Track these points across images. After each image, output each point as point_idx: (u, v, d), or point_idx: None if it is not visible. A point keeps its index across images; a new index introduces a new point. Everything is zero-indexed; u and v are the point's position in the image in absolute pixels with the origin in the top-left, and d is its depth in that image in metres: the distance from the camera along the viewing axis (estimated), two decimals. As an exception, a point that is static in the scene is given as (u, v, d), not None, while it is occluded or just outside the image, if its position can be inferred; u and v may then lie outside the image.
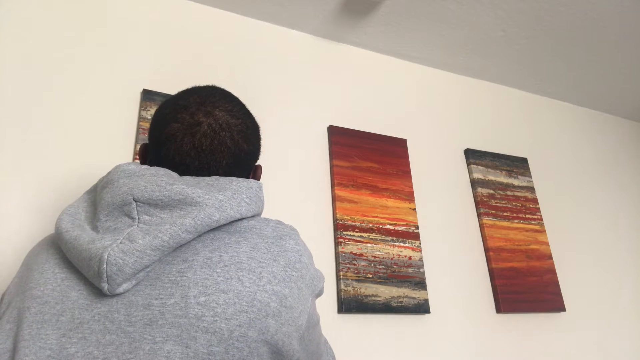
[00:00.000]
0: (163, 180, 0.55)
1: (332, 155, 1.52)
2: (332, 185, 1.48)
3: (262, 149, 1.43)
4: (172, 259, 0.53)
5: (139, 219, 0.54)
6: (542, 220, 1.82)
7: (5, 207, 1.09)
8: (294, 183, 1.44)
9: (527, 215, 1.79)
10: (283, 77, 1.58)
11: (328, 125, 1.58)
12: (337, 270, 1.37)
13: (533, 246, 1.74)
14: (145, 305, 0.50)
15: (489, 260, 1.64)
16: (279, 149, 1.47)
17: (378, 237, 1.46)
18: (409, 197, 1.57)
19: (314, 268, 0.60)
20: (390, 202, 1.53)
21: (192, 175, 0.61)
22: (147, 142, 0.66)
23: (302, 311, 0.55)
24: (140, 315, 0.50)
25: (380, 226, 1.48)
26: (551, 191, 1.96)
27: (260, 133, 0.69)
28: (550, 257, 1.75)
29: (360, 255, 1.40)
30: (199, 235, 0.55)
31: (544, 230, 1.79)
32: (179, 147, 0.60)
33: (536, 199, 1.85)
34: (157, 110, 0.66)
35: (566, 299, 1.75)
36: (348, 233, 1.41)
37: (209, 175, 0.62)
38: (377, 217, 1.48)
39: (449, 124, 1.85)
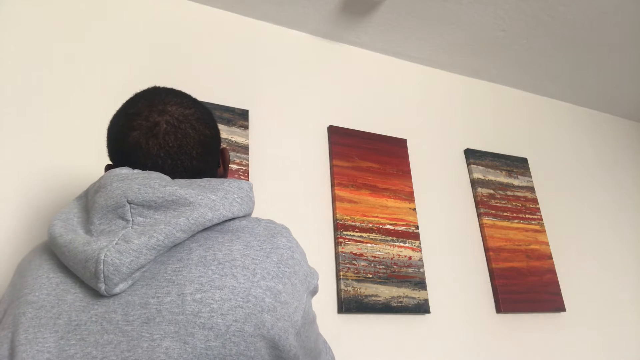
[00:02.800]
0: (156, 182, 0.56)
1: (332, 155, 1.52)
2: (332, 185, 1.48)
3: (265, 145, 1.43)
4: (167, 259, 0.54)
5: (133, 220, 0.55)
6: (542, 220, 1.82)
7: (3, 207, 1.09)
8: (294, 183, 1.44)
9: (527, 215, 1.79)
10: (283, 77, 1.58)
11: (328, 125, 1.58)
12: (337, 270, 1.37)
13: (533, 246, 1.74)
14: (142, 304, 0.51)
15: (489, 260, 1.64)
16: (279, 149, 1.47)
17: (378, 237, 1.46)
18: (409, 197, 1.57)
19: (307, 265, 0.61)
20: (390, 202, 1.53)
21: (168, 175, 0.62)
22: (110, 162, 0.67)
23: (297, 307, 0.56)
24: (138, 314, 0.51)
25: (380, 226, 1.48)
26: (551, 191, 1.96)
27: (214, 116, 0.70)
28: (550, 257, 1.75)
29: (360, 255, 1.40)
30: (193, 235, 0.56)
31: (544, 230, 1.79)
32: (147, 152, 0.60)
33: (536, 199, 1.85)
34: (109, 126, 0.65)
35: (566, 299, 1.75)
36: (348, 233, 1.41)
37: (185, 171, 0.63)
38: (377, 217, 1.48)
39: (449, 124, 1.85)
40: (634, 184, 2.25)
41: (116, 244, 0.52)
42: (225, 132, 1.37)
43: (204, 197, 0.56)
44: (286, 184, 1.43)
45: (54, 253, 0.59)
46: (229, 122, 1.39)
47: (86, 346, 0.50)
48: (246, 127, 1.41)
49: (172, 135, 0.61)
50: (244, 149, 1.38)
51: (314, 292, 0.62)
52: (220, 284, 0.51)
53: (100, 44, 1.34)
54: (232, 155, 1.35)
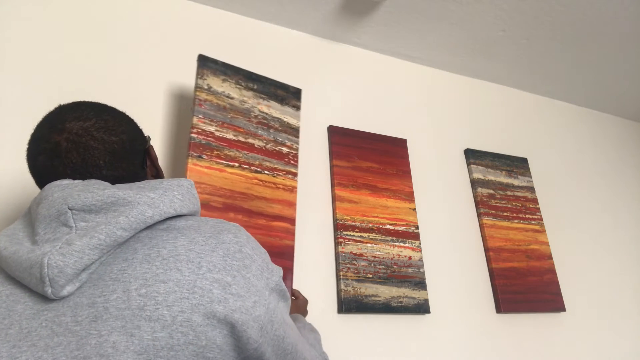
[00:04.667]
0: (95, 187, 0.57)
1: (332, 155, 1.52)
2: (332, 185, 1.48)
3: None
4: (112, 260, 0.55)
5: (76, 226, 0.56)
6: (542, 220, 1.82)
7: (6, 208, 1.09)
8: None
9: (527, 215, 1.79)
10: (283, 77, 1.58)
11: (328, 125, 1.58)
12: (337, 270, 1.37)
13: (533, 246, 1.74)
14: (90, 304, 0.52)
15: (489, 260, 1.64)
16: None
17: (378, 237, 1.46)
18: (409, 197, 1.57)
19: (264, 261, 0.61)
20: (390, 202, 1.53)
21: None
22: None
23: (256, 302, 0.56)
24: (86, 313, 0.52)
25: (380, 226, 1.48)
26: (551, 191, 1.96)
27: (129, 118, 0.70)
28: (550, 257, 1.75)
29: (360, 255, 1.40)
30: (137, 235, 0.57)
31: (544, 230, 1.79)
32: (55, 172, 0.62)
33: (536, 199, 1.85)
34: (25, 152, 0.67)
35: (566, 299, 1.75)
36: (348, 233, 1.41)
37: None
38: (377, 217, 1.48)
39: (449, 124, 1.85)
40: (634, 184, 2.25)
41: (60, 247, 0.53)
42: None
43: (143, 195, 0.57)
44: (286, 184, 1.43)
45: (1, 267, 0.60)
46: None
47: (37, 351, 0.51)
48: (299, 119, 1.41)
49: (74, 152, 0.62)
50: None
51: (278, 290, 0.62)
52: (165, 278, 0.53)
53: (101, 43, 1.34)
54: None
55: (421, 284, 1.45)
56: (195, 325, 0.52)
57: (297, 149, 1.34)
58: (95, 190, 0.57)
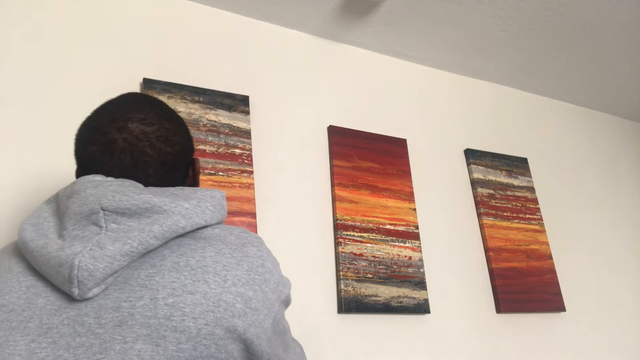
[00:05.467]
0: (130, 190, 0.57)
1: (332, 155, 1.52)
2: (332, 185, 1.48)
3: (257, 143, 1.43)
4: (139, 265, 0.55)
5: (106, 227, 0.55)
6: (542, 220, 1.82)
7: (2, 205, 1.09)
8: (294, 183, 1.44)
9: (527, 215, 1.79)
10: (283, 77, 1.58)
11: (328, 125, 1.58)
12: (337, 270, 1.37)
13: (533, 246, 1.74)
14: (115, 307, 0.52)
15: (489, 260, 1.64)
16: (279, 149, 1.47)
17: (378, 237, 1.46)
18: (409, 197, 1.57)
19: (280, 274, 0.62)
20: (390, 202, 1.53)
21: None
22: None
23: (267, 314, 0.57)
24: (110, 317, 0.51)
25: (380, 226, 1.48)
26: (551, 191, 1.96)
27: (186, 127, 0.70)
28: (550, 257, 1.75)
29: (360, 255, 1.40)
30: (166, 242, 0.57)
31: (544, 230, 1.80)
32: (102, 168, 0.61)
33: (536, 199, 1.86)
34: (76, 133, 0.66)
35: (566, 299, 1.75)
36: (348, 233, 1.41)
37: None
38: (377, 217, 1.48)
39: (449, 124, 1.85)
40: (634, 184, 2.25)
41: (90, 249, 0.53)
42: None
43: (177, 205, 0.57)
44: (286, 185, 1.43)
45: (22, 256, 0.59)
46: (229, 115, 1.39)
47: (57, 349, 0.51)
48: (248, 119, 1.41)
49: (127, 154, 0.61)
50: (246, 133, 1.38)
51: (286, 301, 0.63)
52: (192, 289, 0.53)
53: (101, 44, 1.34)
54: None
55: (421, 284, 1.45)
56: (217, 338, 0.52)
57: (250, 149, 1.37)
58: (131, 193, 0.56)
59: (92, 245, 0.53)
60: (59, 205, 0.60)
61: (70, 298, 0.53)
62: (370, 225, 1.46)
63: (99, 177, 0.59)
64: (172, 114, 0.68)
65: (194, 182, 0.73)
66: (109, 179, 0.59)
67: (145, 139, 0.62)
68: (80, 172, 0.65)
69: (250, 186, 1.33)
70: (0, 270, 0.59)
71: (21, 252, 0.60)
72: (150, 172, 0.62)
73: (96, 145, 0.61)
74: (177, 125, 0.67)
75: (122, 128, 0.62)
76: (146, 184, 0.62)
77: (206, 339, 0.51)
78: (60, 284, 0.53)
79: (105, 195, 0.56)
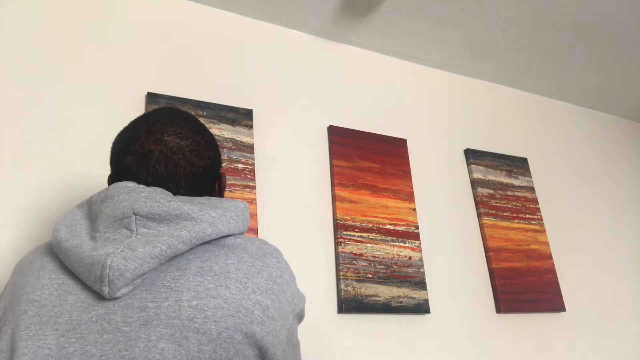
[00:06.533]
0: (161, 197, 0.60)
1: (332, 155, 1.52)
2: (332, 185, 1.48)
3: (267, 151, 1.43)
4: (166, 267, 0.57)
5: (137, 231, 0.58)
6: (542, 220, 1.82)
7: (4, 210, 1.09)
8: (294, 183, 1.44)
9: (527, 215, 1.79)
10: (283, 77, 1.58)
11: (328, 125, 1.58)
12: (337, 270, 1.37)
13: (533, 246, 1.74)
14: (141, 307, 0.54)
15: (489, 260, 1.64)
16: (279, 149, 1.47)
17: (378, 237, 1.46)
18: (409, 197, 1.57)
19: (296, 288, 0.64)
20: (390, 202, 1.53)
21: None
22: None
23: (282, 325, 0.59)
24: (137, 316, 0.54)
25: (380, 226, 1.48)
26: (551, 191, 1.96)
27: (216, 143, 0.74)
28: (550, 257, 1.75)
29: (360, 255, 1.40)
30: (192, 248, 0.59)
31: (544, 230, 1.80)
32: (137, 177, 0.64)
33: (536, 199, 1.86)
34: (113, 143, 0.70)
35: (566, 299, 1.75)
36: (348, 233, 1.41)
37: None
38: (377, 217, 1.48)
39: (449, 124, 1.85)
40: (634, 184, 2.25)
41: (122, 251, 0.55)
42: (231, 132, 1.37)
43: (205, 213, 0.60)
44: (287, 184, 1.43)
45: (55, 255, 0.62)
46: (233, 123, 1.39)
47: (85, 344, 0.53)
48: (250, 127, 1.41)
49: (162, 165, 0.64)
50: (249, 148, 1.38)
51: (300, 315, 0.65)
52: (215, 293, 0.55)
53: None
54: (238, 154, 1.35)
55: (421, 284, 1.45)
56: (236, 342, 0.54)
57: (253, 164, 1.37)
58: (162, 200, 0.59)
59: (124, 247, 0.56)
60: (92, 208, 0.63)
61: (99, 296, 0.56)
62: (370, 225, 1.46)
63: (131, 184, 0.62)
64: (205, 130, 0.72)
65: (220, 195, 0.76)
66: (141, 186, 0.62)
67: (179, 152, 0.65)
68: (114, 179, 0.68)
69: (253, 201, 1.32)
70: (33, 268, 0.61)
71: (53, 251, 0.63)
72: (181, 183, 0.66)
73: (133, 154, 0.65)
74: (209, 141, 0.71)
75: (159, 140, 0.65)
76: (176, 194, 0.65)
77: (226, 342, 0.53)
78: (92, 283, 0.56)
79: (138, 201, 0.59)
